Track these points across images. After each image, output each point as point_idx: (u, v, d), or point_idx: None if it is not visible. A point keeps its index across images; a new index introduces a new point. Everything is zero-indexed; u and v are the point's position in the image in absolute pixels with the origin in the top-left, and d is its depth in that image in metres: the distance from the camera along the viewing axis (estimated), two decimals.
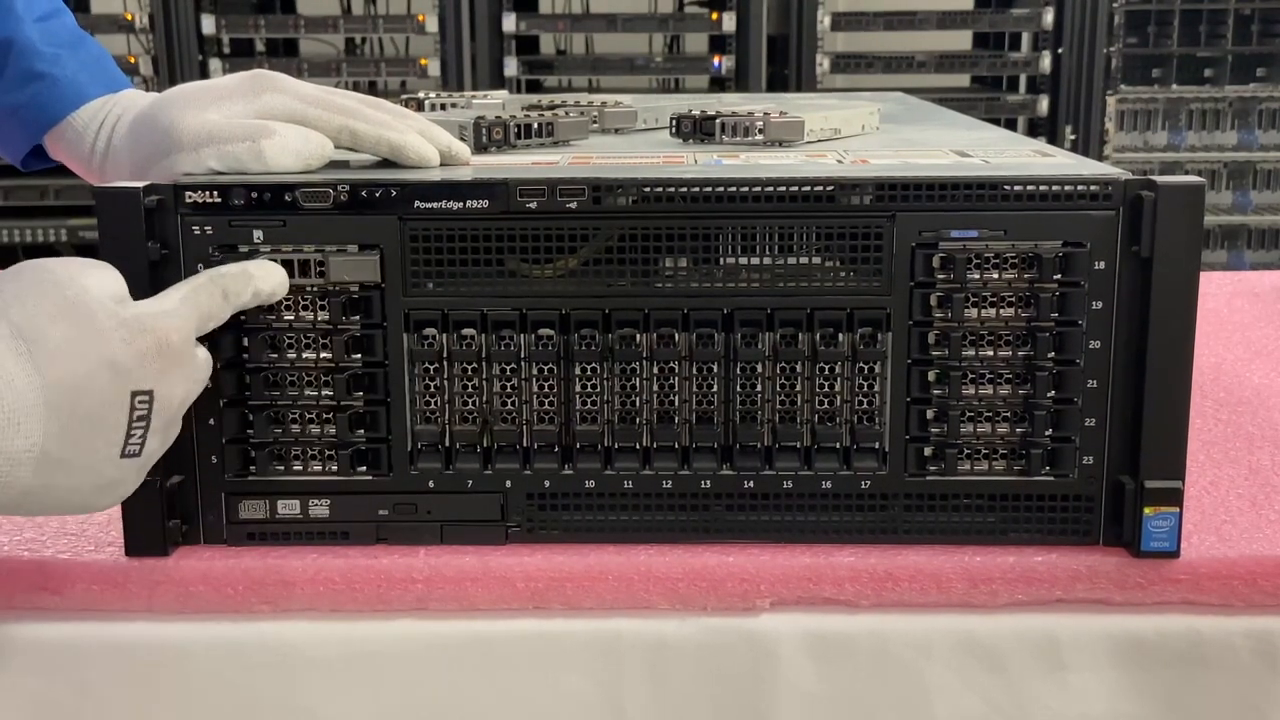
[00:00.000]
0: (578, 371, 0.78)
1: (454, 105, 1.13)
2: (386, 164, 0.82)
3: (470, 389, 0.79)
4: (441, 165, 0.81)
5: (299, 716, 0.78)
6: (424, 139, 0.80)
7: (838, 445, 0.79)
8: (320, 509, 0.80)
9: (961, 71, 3.51)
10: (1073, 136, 3.17)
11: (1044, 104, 3.19)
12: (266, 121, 0.77)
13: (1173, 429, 0.76)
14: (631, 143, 0.97)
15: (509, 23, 3.14)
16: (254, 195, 0.76)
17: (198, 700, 0.78)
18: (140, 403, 0.66)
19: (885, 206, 0.76)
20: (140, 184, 0.75)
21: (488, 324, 0.78)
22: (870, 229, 0.76)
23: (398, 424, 0.79)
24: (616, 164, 0.83)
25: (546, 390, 0.79)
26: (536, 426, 0.79)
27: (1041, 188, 0.76)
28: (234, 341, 0.77)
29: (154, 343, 0.66)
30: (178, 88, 0.81)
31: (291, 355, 0.78)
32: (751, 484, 0.79)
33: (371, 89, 3.23)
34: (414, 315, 0.78)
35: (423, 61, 3.18)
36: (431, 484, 0.79)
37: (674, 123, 0.96)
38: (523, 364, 0.78)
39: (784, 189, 0.76)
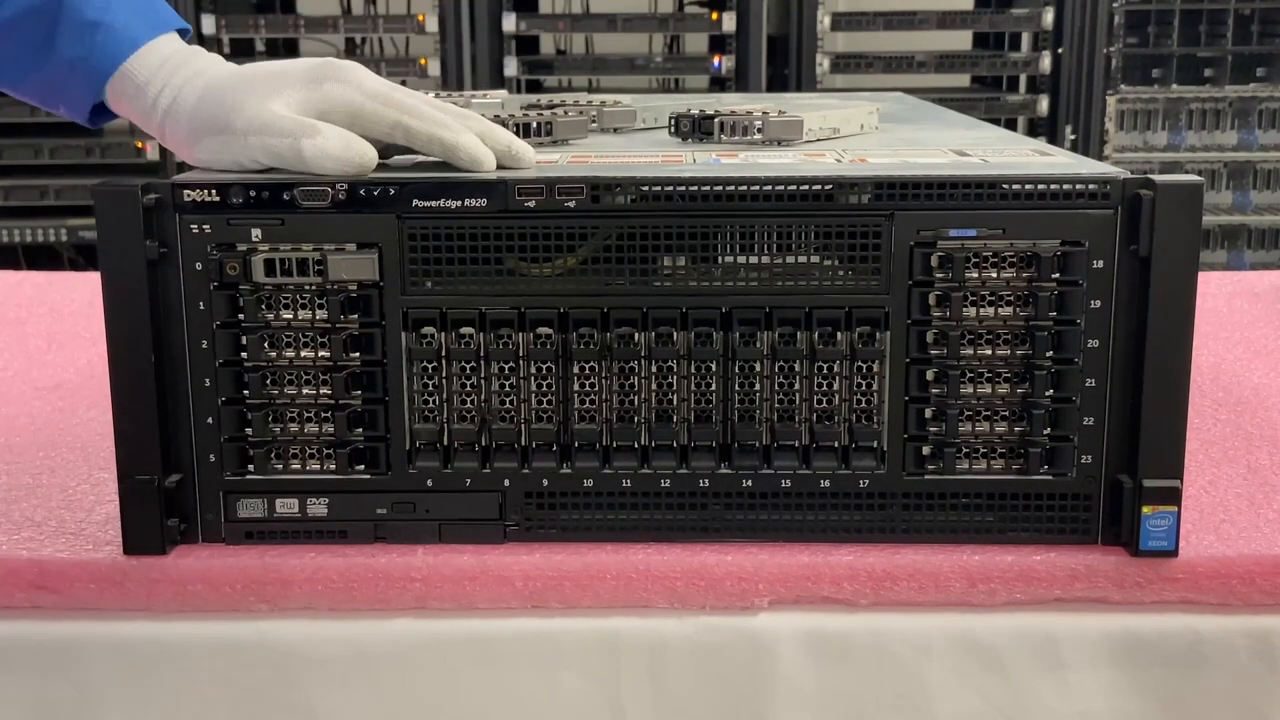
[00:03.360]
0: (576, 370, 0.78)
1: (454, 105, 1.12)
2: (437, 166, 0.80)
3: (469, 388, 0.79)
4: (501, 167, 0.79)
5: (297, 715, 0.78)
6: (480, 140, 0.79)
7: (836, 444, 0.79)
8: (318, 508, 0.80)
9: (961, 71, 3.50)
10: (1073, 136, 3.17)
11: (1044, 104, 3.19)
12: (315, 121, 0.77)
13: (1171, 428, 0.76)
14: (630, 142, 0.97)
15: (509, 23, 3.14)
16: (252, 194, 0.76)
17: (196, 699, 0.78)
18: None
19: (884, 205, 0.76)
20: (139, 181, 0.75)
21: (486, 323, 0.78)
22: (869, 228, 0.76)
23: (396, 423, 0.79)
24: (615, 163, 0.83)
25: (545, 389, 0.79)
26: (535, 425, 0.79)
27: (1040, 187, 0.75)
28: (232, 340, 0.77)
29: None
30: (252, 67, 0.80)
31: (290, 354, 0.78)
32: (750, 483, 0.79)
33: None
34: (412, 314, 0.78)
35: (423, 61, 3.18)
36: (430, 483, 0.79)
37: (673, 122, 0.96)
38: (521, 363, 0.78)
39: (782, 188, 0.76)
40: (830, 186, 0.76)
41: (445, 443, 0.79)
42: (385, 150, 0.80)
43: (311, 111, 0.78)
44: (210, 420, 0.78)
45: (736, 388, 0.79)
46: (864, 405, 0.79)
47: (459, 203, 0.76)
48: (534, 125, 0.91)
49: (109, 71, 0.81)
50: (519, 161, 0.80)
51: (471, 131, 0.79)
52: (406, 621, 0.78)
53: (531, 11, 3.31)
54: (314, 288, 0.77)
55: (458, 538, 0.80)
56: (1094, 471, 0.78)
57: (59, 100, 0.85)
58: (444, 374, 0.78)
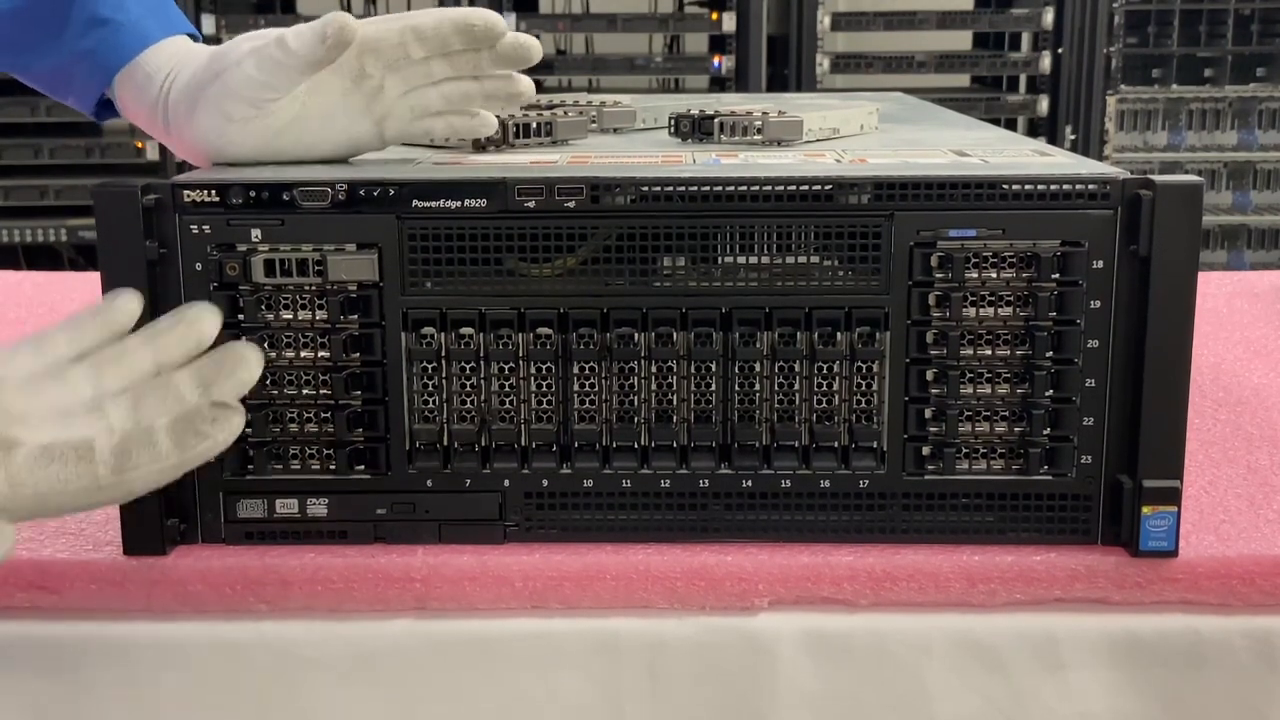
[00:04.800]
0: (576, 371, 0.78)
1: None
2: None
3: (468, 388, 0.79)
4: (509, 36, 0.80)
5: (297, 716, 0.78)
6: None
7: (836, 444, 0.79)
8: (318, 508, 0.80)
9: (961, 71, 3.50)
10: (1073, 136, 3.17)
11: (1044, 104, 3.19)
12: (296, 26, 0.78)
13: (1171, 428, 0.76)
14: (630, 142, 0.97)
15: (509, 23, 3.14)
16: (252, 194, 0.76)
17: (196, 700, 0.78)
18: None
19: (883, 206, 0.76)
20: (139, 182, 0.75)
21: (486, 323, 0.78)
22: (868, 228, 0.76)
23: (396, 423, 0.79)
24: (615, 163, 0.83)
25: (545, 389, 0.79)
26: (534, 426, 0.79)
27: (1040, 187, 0.75)
28: (232, 340, 0.77)
29: None
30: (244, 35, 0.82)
31: (290, 354, 0.78)
32: (750, 483, 0.79)
33: None
34: (412, 314, 0.78)
35: None
36: (429, 483, 0.79)
37: (673, 122, 0.96)
38: (521, 363, 0.78)
39: (782, 188, 0.76)
40: (830, 187, 0.76)
41: (445, 443, 0.79)
42: (397, 137, 0.81)
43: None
44: None
45: (736, 388, 0.79)
46: (864, 405, 0.79)
47: (458, 203, 0.76)
48: (534, 125, 0.91)
49: (119, 65, 0.82)
50: (526, 49, 0.80)
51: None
52: (406, 622, 0.78)
53: (531, 11, 3.31)
54: (314, 288, 0.77)
55: (458, 538, 0.80)
56: (1094, 472, 0.78)
57: (68, 90, 0.85)
58: (444, 374, 0.78)
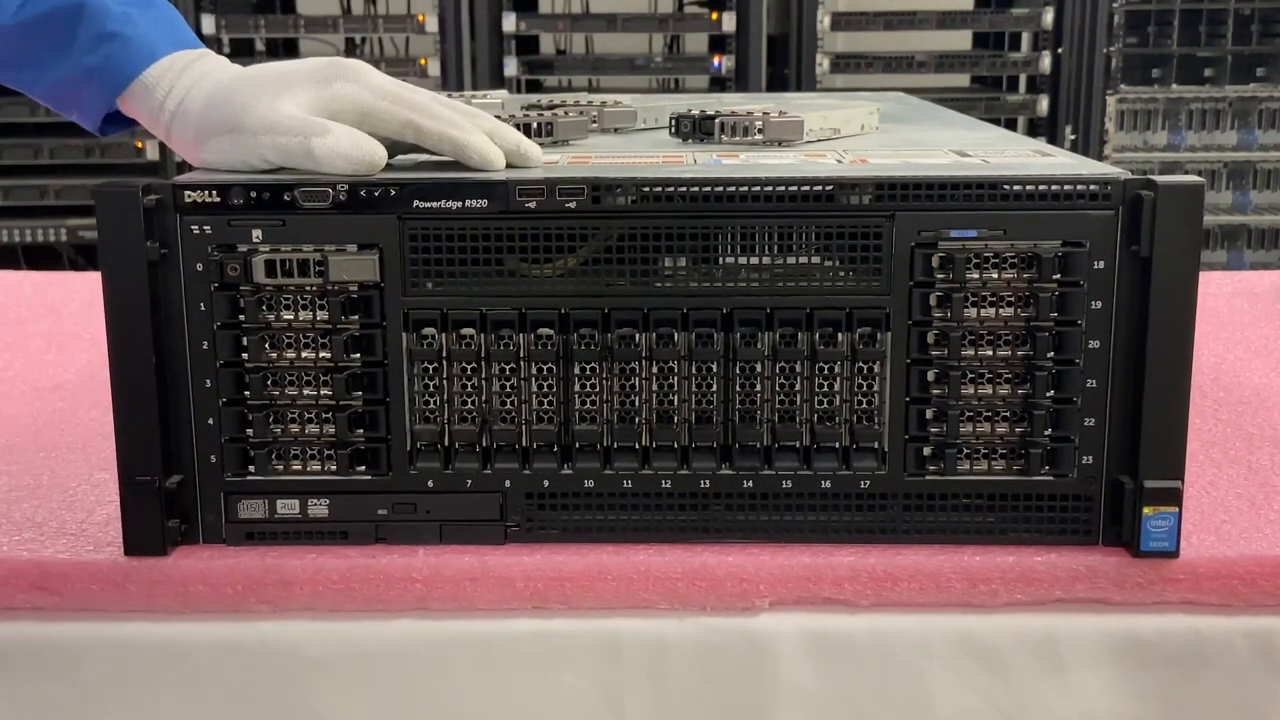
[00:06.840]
0: (577, 371, 0.78)
1: (462, 104, 1.12)
2: (440, 165, 0.80)
3: (469, 389, 0.79)
4: (509, 166, 0.79)
5: (298, 716, 0.78)
6: (490, 140, 0.79)
7: (837, 445, 0.79)
8: (319, 509, 0.80)
9: (961, 71, 3.50)
10: (1073, 136, 3.17)
11: (1044, 104, 3.19)
12: (324, 120, 0.77)
13: (1172, 429, 0.76)
14: (631, 142, 0.97)
15: (509, 23, 3.14)
16: (253, 195, 0.76)
17: (197, 700, 0.78)
18: None
19: (884, 206, 0.76)
20: (140, 182, 0.75)
21: (487, 323, 0.78)
22: (869, 229, 0.76)
23: (397, 423, 0.79)
24: (616, 163, 0.83)
25: (546, 390, 0.79)
26: (536, 426, 0.79)
27: (1041, 187, 0.75)
28: (233, 341, 0.77)
29: None
30: (259, 68, 0.81)
31: (291, 355, 0.78)
32: (751, 484, 0.79)
33: None
34: (413, 315, 0.78)
35: (423, 61, 3.18)
36: (431, 484, 0.79)
37: (673, 122, 0.96)
38: (522, 363, 0.78)
39: (783, 189, 0.76)
40: (831, 187, 0.76)
41: (446, 443, 0.79)
42: (392, 148, 0.80)
43: (321, 111, 0.78)
44: (211, 421, 0.78)
45: (737, 388, 0.79)
46: (865, 406, 0.79)
47: (460, 203, 0.76)
48: (534, 125, 0.91)
49: (126, 82, 0.81)
50: (528, 160, 0.80)
51: (481, 130, 0.79)
52: (407, 622, 0.78)
53: (531, 11, 3.31)
54: (315, 288, 0.77)
55: (459, 538, 0.80)
56: (1095, 472, 0.78)
57: (73, 105, 0.85)
58: (445, 375, 0.78)
